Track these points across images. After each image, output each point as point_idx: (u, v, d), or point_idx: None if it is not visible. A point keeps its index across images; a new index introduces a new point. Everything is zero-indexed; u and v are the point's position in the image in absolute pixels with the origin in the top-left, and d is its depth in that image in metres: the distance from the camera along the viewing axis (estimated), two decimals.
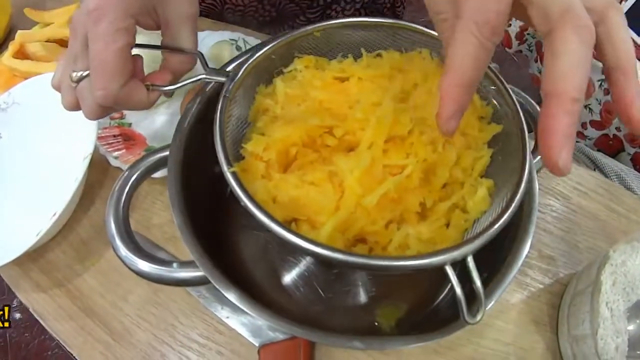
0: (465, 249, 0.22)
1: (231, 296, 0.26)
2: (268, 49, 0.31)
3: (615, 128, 0.79)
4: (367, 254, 0.23)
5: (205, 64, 0.31)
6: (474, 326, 0.24)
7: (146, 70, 0.43)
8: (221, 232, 0.37)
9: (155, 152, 0.32)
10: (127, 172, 0.32)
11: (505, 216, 0.23)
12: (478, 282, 0.22)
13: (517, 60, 1.23)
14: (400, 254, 0.25)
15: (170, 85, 0.31)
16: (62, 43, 0.50)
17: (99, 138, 0.42)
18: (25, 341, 0.89)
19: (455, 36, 0.19)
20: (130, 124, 0.44)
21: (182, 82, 0.31)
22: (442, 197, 0.27)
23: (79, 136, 0.40)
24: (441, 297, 0.35)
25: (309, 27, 0.31)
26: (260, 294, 0.35)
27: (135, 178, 0.32)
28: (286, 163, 0.28)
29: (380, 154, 0.26)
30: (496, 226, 0.23)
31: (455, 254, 0.22)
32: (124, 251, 0.29)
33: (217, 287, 0.26)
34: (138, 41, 0.29)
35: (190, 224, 0.29)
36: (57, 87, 0.30)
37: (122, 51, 0.26)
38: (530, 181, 0.27)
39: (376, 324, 0.34)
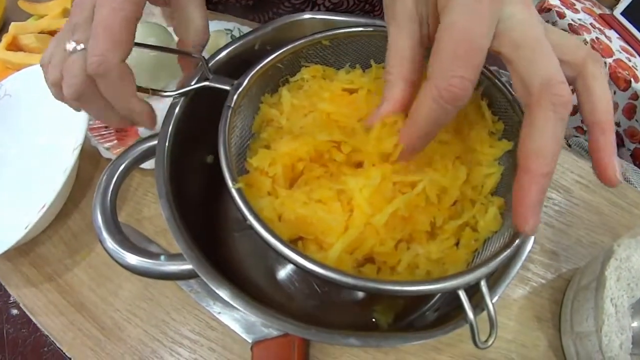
0: (479, 272, 0.21)
1: (221, 291, 0.24)
2: (274, 57, 0.29)
3: (615, 123, 0.77)
4: (377, 279, 0.21)
5: (208, 70, 0.29)
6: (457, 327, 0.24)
7: (146, 74, 0.41)
8: (214, 225, 0.35)
9: (143, 141, 0.30)
10: (114, 163, 0.30)
11: (519, 239, 0.22)
12: (491, 306, 0.21)
13: None
14: (408, 275, 0.24)
15: (172, 91, 0.29)
16: (55, 35, 0.48)
17: (91, 129, 0.41)
18: (22, 337, 0.87)
19: (419, 96, 0.20)
20: None
21: (184, 88, 0.29)
22: (452, 216, 0.26)
23: (69, 127, 0.38)
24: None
25: (317, 36, 0.30)
26: (254, 288, 0.33)
27: (123, 169, 0.30)
28: (292, 178, 0.27)
29: (390, 171, 0.24)
30: (510, 249, 0.22)
31: (469, 278, 0.21)
32: (110, 243, 0.28)
33: (206, 280, 0.24)
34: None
35: (179, 215, 0.27)
36: (46, 62, 0.27)
37: (129, 21, 0.25)
38: None
39: (373, 320, 0.32)
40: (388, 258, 0.24)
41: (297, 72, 0.31)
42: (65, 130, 0.39)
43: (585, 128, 0.70)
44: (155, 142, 0.29)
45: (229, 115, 0.27)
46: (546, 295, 0.36)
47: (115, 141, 0.39)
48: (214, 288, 0.24)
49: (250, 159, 0.26)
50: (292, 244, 0.25)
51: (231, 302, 0.24)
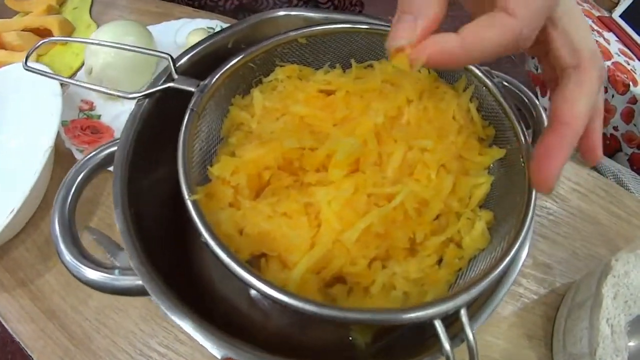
0: (458, 300, 0.18)
1: (171, 311, 0.20)
2: (245, 56, 0.25)
3: (613, 127, 0.72)
4: (340, 307, 0.18)
5: (174, 69, 0.26)
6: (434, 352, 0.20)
7: (124, 73, 0.38)
8: (184, 238, 0.32)
9: (105, 146, 0.26)
10: (75, 168, 0.26)
11: (507, 260, 0.19)
12: (471, 337, 0.18)
13: (514, 58, 1.16)
14: (383, 297, 0.20)
15: (135, 92, 0.26)
16: (38, 32, 0.45)
17: (67, 131, 0.37)
18: (10, 337, 0.84)
19: (488, 22, 0.17)
20: (99, 116, 0.38)
21: (147, 90, 0.26)
22: (434, 231, 0.22)
23: (41, 129, 0.35)
24: None
25: (292, 33, 0.26)
26: (226, 305, 0.30)
27: (83, 176, 0.26)
28: (258, 187, 0.23)
29: (364, 181, 0.21)
30: (495, 272, 0.18)
31: (447, 307, 0.17)
32: (67, 255, 0.24)
33: (155, 299, 0.21)
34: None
35: (137, 228, 0.24)
36: None
37: None
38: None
39: (350, 339, 0.28)
40: (360, 278, 0.21)
41: (271, 72, 0.27)
42: (37, 132, 0.36)
43: None
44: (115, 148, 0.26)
45: (191, 119, 0.23)
46: (538, 312, 0.32)
47: (87, 145, 0.36)
48: (160, 304, 0.20)
49: (211, 167, 0.23)
50: (255, 260, 0.22)
51: (179, 323, 0.20)
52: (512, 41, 0.17)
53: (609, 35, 0.86)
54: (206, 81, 0.24)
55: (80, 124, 0.37)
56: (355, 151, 0.21)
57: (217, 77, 0.24)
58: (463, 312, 0.18)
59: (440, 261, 0.22)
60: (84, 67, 0.39)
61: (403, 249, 0.21)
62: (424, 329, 0.28)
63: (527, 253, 0.22)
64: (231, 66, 0.25)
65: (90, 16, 0.47)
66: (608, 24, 0.89)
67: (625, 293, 0.30)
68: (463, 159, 0.24)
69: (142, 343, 0.31)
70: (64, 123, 0.38)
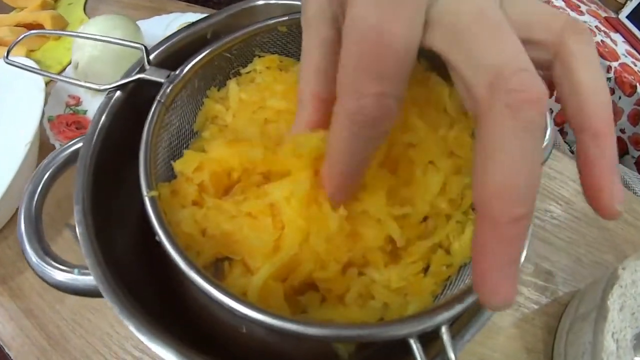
0: (438, 317, 0.15)
1: (122, 315, 0.18)
2: (220, 45, 0.23)
3: (620, 130, 0.68)
4: (299, 320, 0.15)
5: (147, 60, 0.24)
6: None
7: (111, 67, 0.36)
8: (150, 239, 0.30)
9: (74, 142, 0.24)
10: (42, 165, 0.25)
11: None
12: (453, 358, 0.15)
13: None
14: (359, 307, 0.18)
15: (105, 84, 0.24)
16: (31, 27, 0.43)
17: (53, 126, 0.35)
18: None
19: (331, 125, 0.14)
20: (85, 112, 0.37)
21: (117, 81, 0.24)
22: (420, 235, 0.19)
23: (23, 124, 0.33)
24: None
25: (272, 21, 0.24)
26: (201, 309, 0.27)
27: (51, 172, 0.25)
28: (227, 185, 0.21)
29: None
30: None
31: (424, 325, 0.15)
32: (32, 254, 0.23)
33: (109, 301, 0.19)
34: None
35: (99, 226, 0.21)
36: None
37: None
38: None
39: (334, 349, 0.26)
40: (333, 285, 0.18)
41: (250, 63, 0.25)
42: (19, 127, 0.34)
43: None
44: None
45: (157, 111, 0.21)
46: (539, 323, 0.29)
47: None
48: (113, 306, 0.18)
49: (174, 162, 0.20)
50: (220, 263, 0.19)
51: (131, 327, 0.18)
52: (347, 133, 0.13)
53: (616, 36, 0.82)
54: (177, 72, 0.22)
55: (66, 120, 0.36)
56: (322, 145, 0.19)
57: (188, 67, 0.22)
58: (444, 329, 0.15)
59: (426, 269, 0.19)
60: (71, 62, 0.37)
61: (383, 253, 0.19)
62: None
63: (526, 258, 0.20)
64: (204, 57, 0.23)
65: (85, 12, 0.45)
66: (615, 25, 0.84)
67: (632, 305, 0.27)
68: (455, 156, 0.21)
69: (117, 345, 0.29)
70: (50, 118, 0.36)
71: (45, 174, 0.24)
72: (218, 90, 0.24)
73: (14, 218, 0.35)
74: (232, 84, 0.24)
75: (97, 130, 0.23)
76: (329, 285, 0.18)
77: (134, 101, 0.25)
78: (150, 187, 0.18)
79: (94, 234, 0.21)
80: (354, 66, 0.12)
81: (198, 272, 0.16)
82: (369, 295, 0.18)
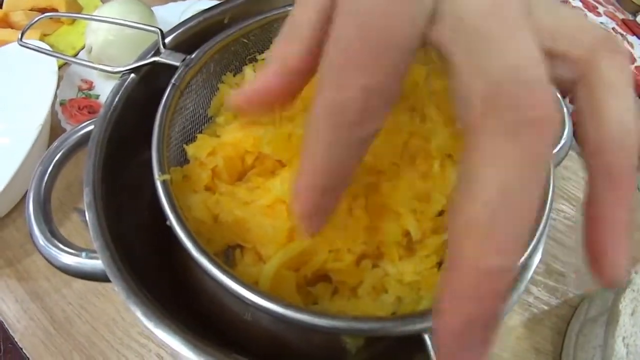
0: None
1: (129, 300, 0.18)
2: (237, 31, 0.23)
3: None
4: (310, 310, 0.15)
5: (163, 44, 0.24)
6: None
7: (126, 52, 0.36)
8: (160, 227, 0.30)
9: (86, 125, 0.24)
10: (53, 146, 0.24)
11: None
12: None
13: None
14: (372, 300, 0.18)
15: (119, 67, 0.24)
16: (45, 12, 0.43)
17: (64, 110, 0.35)
18: None
19: (306, 122, 0.11)
20: (98, 96, 0.37)
21: (132, 64, 0.24)
22: (435, 229, 0.19)
23: (35, 107, 0.33)
24: None
25: (290, 8, 0.24)
26: (210, 298, 0.27)
27: (62, 154, 0.25)
28: (242, 170, 0.21)
29: None
30: None
31: None
32: (39, 235, 0.23)
33: (115, 285, 0.18)
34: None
35: (108, 211, 0.21)
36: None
37: None
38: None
39: (342, 343, 0.25)
40: (346, 277, 0.18)
41: (266, 50, 0.24)
42: (31, 110, 0.34)
43: None
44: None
45: (172, 94, 0.21)
46: (548, 324, 0.28)
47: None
48: (118, 290, 0.18)
49: (187, 146, 0.20)
50: (231, 251, 0.19)
51: (133, 309, 0.18)
52: (326, 140, 0.10)
53: (633, 39, 0.80)
54: (192, 55, 0.22)
55: (78, 104, 0.36)
56: None
57: (204, 52, 0.22)
58: None
59: (440, 264, 0.19)
60: (85, 46, 0.37)
61: (398, 246, 0.18)
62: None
63: (540, 259, 0.19)
64: (221, 41, 0.23)
65: None
66: (632, 27, 0.83)
67: None
68: None
69: (122, 332, 0.29)
70: (62, 102, 0.36)
71: (55, 155, 0.24)
72: (234, 75, 0.24)
73: (22, 201, 0.35)
74: (248, 70, 0.24)
75: (110, 112, 0.23)
76: (342, 277, 0.18)
77: (148, 85, 0.25)
78: (162, 171, 0.18)
79: (103, 217, 0.21)
80: (344, 53, 0.10)
81: (209, 258, 0.16)
82: (382, 288, 0.18)
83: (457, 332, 0.09)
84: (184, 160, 0.21)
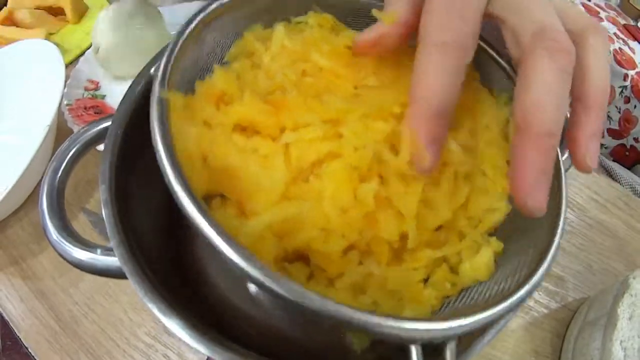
0: (453, 324, 0.13)
1: (145, 297, 0.18)
2: None
3: (633, 139, 0.69)
4: (305, 288, 0.13)
5: None
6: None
7: (133, 53, 0.36)
8: (180, 222, 0.30)
9: (100, 121, 0.25)
10: (67, 142, 0.25)
11: (529, 286, 0.15)
12: None
13: None
14: (348, 298, 0.17)
15: None
16: (51, 10, 0.44)
17: (71, 110, 0.36)
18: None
19: (417, 66, 0.15)
20: (104, 96, 0.37)
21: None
22: (431, 242, 0.18)
23: (43, 106, 0.34)
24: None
25: None
26: (216, 293, 0.28)
27: (76, 150, 0.25)
28: (247, 126, 0.19)
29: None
30: (512, 300, 0.15)
31: (434, 332, 0.13)
32: (52, 230, 0.23)
33: (131, 281, 0.19)
34: None
35: (123, 207, 0.22)
36: None
37: None
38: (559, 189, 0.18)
39: (347, 341, 0.26)
40: (327, 264, 0.17)
41: (303, 14, 0.22)
42: (39, 109, 0.34)
43: (601, 142, 0.62)
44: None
45: (195, 22, 0.18)
46: (548, 328, 0.29)
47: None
48: (134, 286, 0.19)
49: (207, 77, 0.19)
50: (208, 200, 0.17)
51: (150, 306, 0.18)
52: (440, 64, 0.15)
53: (634, 44, 0.82)
54: None
55: (84, 104, 0.36)
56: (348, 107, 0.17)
57: None
58: (450, 347, 0.14)
59: (426, 280, 0.18)
60: (91, 46, 0.38)
61: (389, 248, 0.17)
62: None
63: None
64: None
65: None
66: (633, 33, 0.84)
67: None
68: (485, 175, 0.19)
69: (129, 332, 0.30)
70: (68, 102, 0.36)
71: (70, 151, 0.24)
72: (263, 28, 0.22)
73: (28, 200, 0.36)
74: (279, 27, 0.22)
75: (127, 108, 0.23)
76: (324, 264, 0.17)
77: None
78: (164, 85, 0.16)
79: (117, 214, 0.21)
80: (445, 8, 0.15)
81: (193, 198, 0.14)
82: (360, 289, 0.17)
83: (534, 174, 0.14)
84: (186, 92, 0.19)
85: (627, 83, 0.73)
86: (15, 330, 0.32)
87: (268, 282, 0.13)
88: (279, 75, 0.20)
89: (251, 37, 0.22)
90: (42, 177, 0.36)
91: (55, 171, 0.24)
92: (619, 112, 0.58)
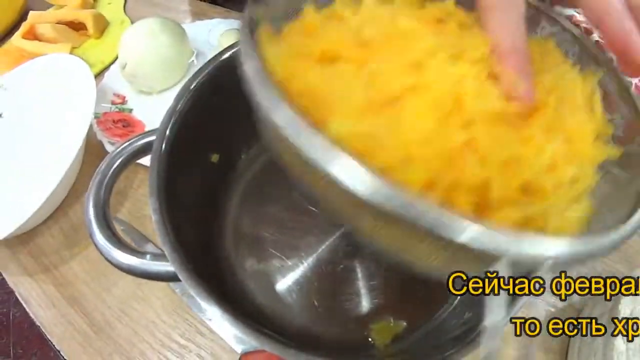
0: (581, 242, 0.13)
1: (198, 293, 0.21)
2: None
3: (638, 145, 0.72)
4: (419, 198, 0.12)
5: None
6: (470, 351, 0.21)
7: (159, 71, 0.38)
8: (213, 230, 0.32)
9: (142, 135, 0.27)
10: (112, 155, 0.27)
11: None
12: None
13: None
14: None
15: None
16: (72, 25, 0.46)
17: (99, 123, 0.38)
18: (28, 321, 0.85)
19: (490, 23, 0.18)
20: (131, 110, 0.39)
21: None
22: (514, 202, 0.16)
23: (75, 120, 0.36)
24: (444, 314, 0.29)
25: None
26: (249, 297, 0.30)
27: (121, 162, 0.28)
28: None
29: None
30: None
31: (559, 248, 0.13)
32: (100, 238, 0.25)
33: (184, 282, 0.21)
34: None
35: (170, 216, 0.24)
36: None
37: None
38: None
39: (370, 340, 0.29)
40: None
41: None
42: (70, 123, 0.37)
43: None
44: (154, 137, 0.27)
45: None
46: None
47: (118, 138, 0.37)
48: (192, 292, 0.21)
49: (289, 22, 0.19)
50: None
51: (205, 304, 0.21)
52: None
53: None
54: None
55: (112, 117, 0.38)
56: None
57: None
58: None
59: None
60: (117, 62, 0.40)
61: (469, 200, 0.15)
62: (449, 330, 0.28)
63: None
64: None
65: (125, 12, 0.48)
66: None
67: None
68: (573, 143, 0.18)
69: (163, 334, 0.32)
70: (96, 115, 0.38)
71: (115, 162, 0.27)
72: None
73: (58, 209, 0.38)
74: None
75: (170, 125, 0.26)
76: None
77: (201, 100, 0.28)
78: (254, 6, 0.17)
79: (169, 221, 0.23)
80: None
81: (277, 99, 0.14)
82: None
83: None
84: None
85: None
86: (48, 336, 0.34)
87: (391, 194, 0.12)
88: (366, 31, 0.19)
89: (340, 3, 0.21)
90: (71, 186, 0.38)
91: (101, 182, 0.27)
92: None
